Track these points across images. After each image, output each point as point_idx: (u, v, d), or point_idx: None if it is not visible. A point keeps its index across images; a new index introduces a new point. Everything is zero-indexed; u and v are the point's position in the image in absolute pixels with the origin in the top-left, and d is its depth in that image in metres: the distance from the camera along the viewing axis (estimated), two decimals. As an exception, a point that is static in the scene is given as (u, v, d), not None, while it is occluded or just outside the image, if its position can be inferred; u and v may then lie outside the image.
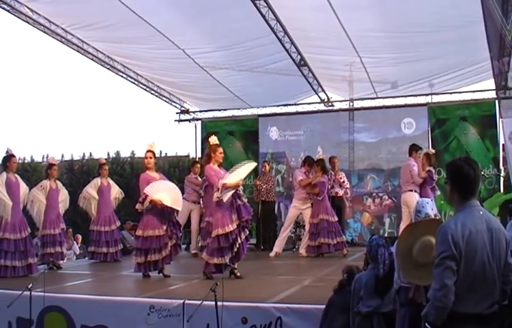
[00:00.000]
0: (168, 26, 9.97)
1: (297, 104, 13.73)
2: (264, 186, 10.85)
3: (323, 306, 4.39)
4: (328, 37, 10.01)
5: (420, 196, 7.80)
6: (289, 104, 13.67)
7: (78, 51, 11.06)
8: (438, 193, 8.45)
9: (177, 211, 7.27)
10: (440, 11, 8.77)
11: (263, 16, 9.09)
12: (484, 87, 12.06)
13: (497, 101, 11.87)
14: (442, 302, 2.77)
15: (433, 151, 9.13)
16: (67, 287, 6.74)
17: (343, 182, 10.32)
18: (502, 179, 11.77)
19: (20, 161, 26.51)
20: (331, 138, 13.08)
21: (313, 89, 12.61)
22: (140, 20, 9.57)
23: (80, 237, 14.51)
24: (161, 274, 7.16)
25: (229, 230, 6.56)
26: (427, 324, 2.85)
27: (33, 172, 26.51)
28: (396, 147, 12.53)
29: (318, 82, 12.33)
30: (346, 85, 12.34)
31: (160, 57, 11.35)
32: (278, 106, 13.78)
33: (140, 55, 11.40)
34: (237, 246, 6.67)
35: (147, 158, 7.40)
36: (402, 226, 8.29)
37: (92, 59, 11.43)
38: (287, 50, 10.38)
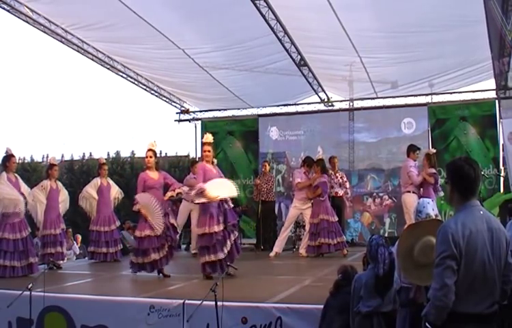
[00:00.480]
0: (168, 26, 9.97)
1: (297, 104, 13.73)
2: (264, 186, 10.87)
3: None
4: (327, 37, 10.01)
5: (422, 196, 7.77)
6: (289, 104, 13.67)
7: (78, 51, 11.06)
8: (442, 193, 8.42)
9: (177, 212, 7.25)
10: (440, 11, 8.76)
11: (263, 16, 9.08)
12: (484, 87, 12.07)
13: (497, 101, 11.88)
14: (442, 302, 2.77)
15: (434, 151, 9.08)
16: (68, 287, 6.74)
17: (345, 181, 10.35)
18: (502, 179, 11.76)
19: (20, 161, 26.51)
20: (331, 138, 13.08)
21: (313, 89, 12.60)
22: (140, 20, 9.56)
23: (80, 237, 14.50)
24: (161, 274, 7.16)
25: (213, 231, 6.58)
26: (427, 324, 2.85)
27: (33, 172, 26.49)
28: (397, 147, 12.50)
29: (318, 82, 12.33)
30: (346, 85, 12.33)
31: (160, 57, 11.34)
32: (278, 106, 13.78)
33: (140, 55, 11.39)
34: (229, 247, 6.70)
35: (147, 157, 7.39)
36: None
37: (92, 59, 11.42)
38: (287, 50, 10.38)
